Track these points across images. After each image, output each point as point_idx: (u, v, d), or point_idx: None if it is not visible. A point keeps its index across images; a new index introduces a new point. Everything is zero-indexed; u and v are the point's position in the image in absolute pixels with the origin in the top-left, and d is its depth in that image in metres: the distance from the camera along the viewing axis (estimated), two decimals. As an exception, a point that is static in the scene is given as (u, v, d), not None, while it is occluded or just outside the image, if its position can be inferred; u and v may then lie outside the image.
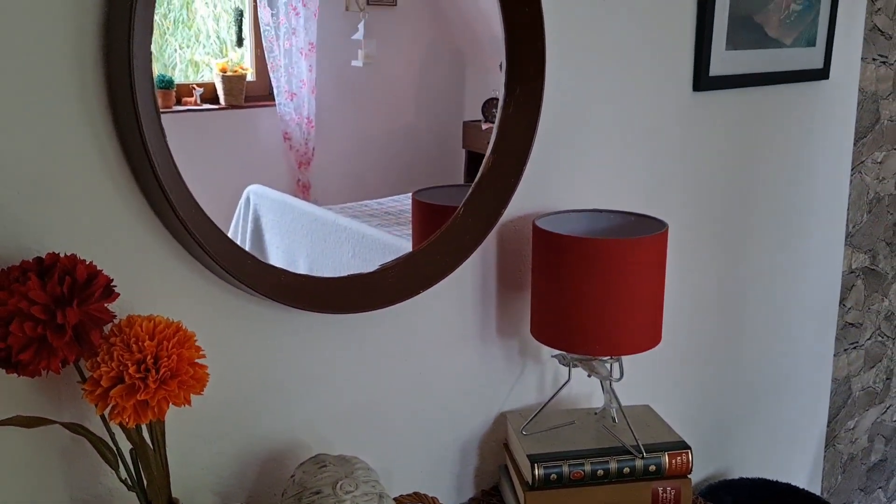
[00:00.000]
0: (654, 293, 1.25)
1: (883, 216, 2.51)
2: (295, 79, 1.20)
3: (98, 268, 0.84)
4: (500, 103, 1.28)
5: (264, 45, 1.17)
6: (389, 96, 1.32)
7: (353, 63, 1.25)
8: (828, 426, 2.51)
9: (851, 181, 2.30)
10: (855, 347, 2.56)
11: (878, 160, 2.39)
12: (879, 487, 2.94)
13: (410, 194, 1.36)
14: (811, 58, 1.89)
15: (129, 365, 0.82)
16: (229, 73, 1.16)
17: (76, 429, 0.85)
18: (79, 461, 0.94)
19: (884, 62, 2.26)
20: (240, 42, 1.16)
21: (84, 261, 0.83)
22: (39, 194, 0.88)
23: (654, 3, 1.52)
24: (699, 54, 1.61)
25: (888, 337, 2.73)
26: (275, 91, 1.19)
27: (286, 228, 1.25)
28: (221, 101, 1.16)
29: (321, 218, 1.26)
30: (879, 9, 2.17)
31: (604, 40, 1.46)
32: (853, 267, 2.43)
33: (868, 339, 2.62)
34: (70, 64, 0.88)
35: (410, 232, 1.33)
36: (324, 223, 1.25)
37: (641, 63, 1.53)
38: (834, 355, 2.45)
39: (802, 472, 2.41)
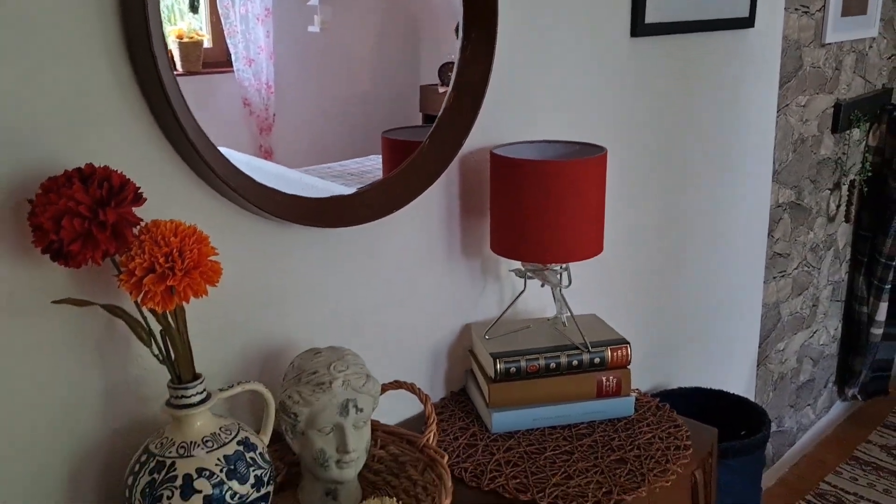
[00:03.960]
0: (596, 207, 1.44)
1: (807, 155, 2.74)
2: (252, 45, 1.21)
3: (127, 177, 1.00)
4: (458, 46, 1.44)
5: (220, 11, 1.17)
6: (347, 61, 1.35)
7: (310, 29, 1.27)
8: (759, 347, 2.77)
9: (777, 123, 2.52)
10: (783, 276, 2.81)
11: (802, 103, 2.62)
12: (808, 405, 3.23)
13: (371, 156, 1.42)
14: (738, 7, 2.09)
15: (159, 256, 0.98)
16: (185, 40, 1.16)
17: (115, 311, 1.02)
18: (113, 345, 1.11)
19: (805, 12, 2.48)
20: (194, 8, 1.15)
21: (116, 171, 0.99)
22: (75, 123, 1.03)
23: (594, -44, 1.70)
24: (636, 2, 1.80)
25: (813, 267, 3.00)
26: (233, 57, 1.20)
27: (252, 190, 1.34)
28: (178, 67, 1.15)
29: (286, 177, 1.29)
30: (800, -37, 2.38)
31: (550, -10, 1.63)
32: (780, 202, 2.66)
33: (795, 269, 2.88)
34: (93, 8, 1.02)
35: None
36: (289, 182, 1.28)
37: (585, 11, 1.72)
38: (764, 282, 2.70)
39: (737, 388, 2.66)
